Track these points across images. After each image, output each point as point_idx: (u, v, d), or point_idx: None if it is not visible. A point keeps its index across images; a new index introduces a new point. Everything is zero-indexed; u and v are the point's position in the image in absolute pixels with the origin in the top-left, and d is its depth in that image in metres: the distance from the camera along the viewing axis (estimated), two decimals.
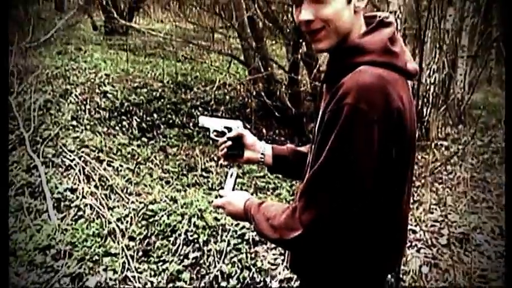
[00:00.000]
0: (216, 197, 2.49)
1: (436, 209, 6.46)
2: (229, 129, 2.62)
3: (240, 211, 2.32)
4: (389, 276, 2.12)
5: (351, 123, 1.76)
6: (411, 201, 6.55)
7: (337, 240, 1.94)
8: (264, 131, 9.04)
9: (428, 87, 9.09)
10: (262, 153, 2.58)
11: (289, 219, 1.92)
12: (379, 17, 2.03)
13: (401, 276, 4.82)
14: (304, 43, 8.87)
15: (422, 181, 7.26)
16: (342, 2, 1.92)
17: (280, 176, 7.10)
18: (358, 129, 1.76)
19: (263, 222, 2.07)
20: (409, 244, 5.66)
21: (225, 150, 2.57)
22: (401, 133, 1.87)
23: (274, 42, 12.93)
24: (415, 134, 2.03)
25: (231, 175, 2.57)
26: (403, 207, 2.07)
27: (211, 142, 8.57)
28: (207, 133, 2.67)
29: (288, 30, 10.06)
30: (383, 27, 1.98)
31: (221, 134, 2.61)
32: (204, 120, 2.70)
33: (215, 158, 7.94)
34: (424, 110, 9.05)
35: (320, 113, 1.97)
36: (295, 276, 5.01)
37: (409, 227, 5.87)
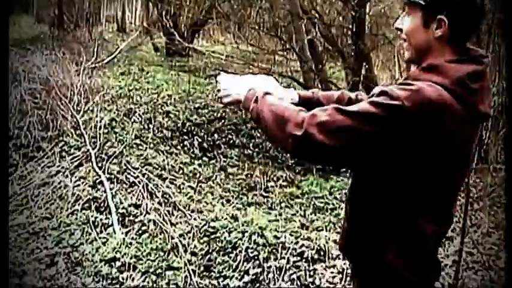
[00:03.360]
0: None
1: (494, 232, 6.42)
2: None
3: (246, 83, 2.44)
4: (437, 283, 2.23)
5: (387, 112, 1.91)
6: (469, 224, 6.52)
7: None
8: None
9: None
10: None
11: (301, 119, 2.02)
12: (475, 51, 2.14)
13: None
14: (365, 66, 8.94)
15: (481, 204, 7.21)
16: (418, 24, 2.11)
17: (338, 196, 7.17)
18: (389, 120, 1.91)
19: (274, 108, 2.17)
20: (466, 266, 5.64)
21: None
22: (438, 150, 1.99)
23: (333, 64, 13.00)
24: (462, 157, 2.13)
25: None
26: (432, 222, 2.15)
27: (270, 163, 8.67)
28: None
29: (348, 53, 10.12)
30: (473, 62, 2.07)
31: None
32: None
33: (275, 178, 8.02)
34: (483, 133, 8.97)
35: None
36: None
37: (466, 249, 5.86)
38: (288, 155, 8.13)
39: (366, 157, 2.00)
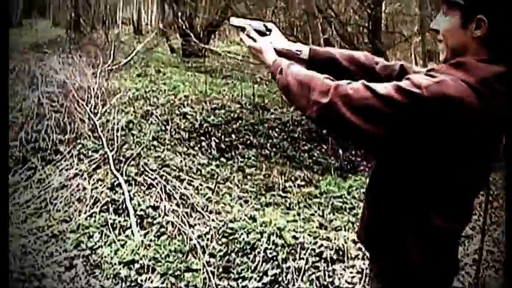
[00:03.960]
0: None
1: None
2: (268, 29, 2.64)
3: (271, 56, 2.47)
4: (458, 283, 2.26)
5: (407, 98, 1.91)
6: (489, 222, 6.46)
7: None
8: (340, 151, 9.05)
9: None
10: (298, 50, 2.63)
11: (326, 88, 2.05)
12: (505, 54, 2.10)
13: None
14: None
15: (501, 201, 7.15)
16: (456, 24, 2.08)
17: (357, 196, 7.14)
18: (407, 107, 1.91)
19: (300, 77, 2.20)
20: (486, 265, 5.59)
21: None
22: (453, 146, 1.97)
23: None
24: (480, 158, 2.10)
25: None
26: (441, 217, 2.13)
27: (288, 162, 8.66)
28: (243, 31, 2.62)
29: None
30: (503, 63, 2.03)
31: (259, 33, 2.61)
32: (239, 21, 2.67)
33: (293, 178, 8.00)
34: None
35: None
36: None
37: (487, 248, 5.81)
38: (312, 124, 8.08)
39: (382, 139, 2.01)
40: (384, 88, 1.96)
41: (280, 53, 2.51)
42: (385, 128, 1.95)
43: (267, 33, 2.61)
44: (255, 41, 2.55)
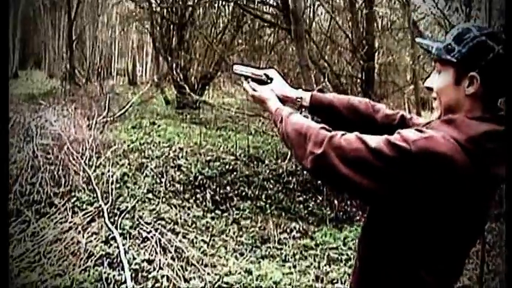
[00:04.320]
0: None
1: None
2: (269, 77, 2.69)
3: (273, 104, 2.51)
4: None
5: (395, 152, 1.91)
6: (486, 271, 6.42)
7: None
8: (335, 202, 9.05)
9: None
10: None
11: (321, 139, 2.03)
12: (499, 112, 2.11)
13: None
14: None
15: (498, 250, 7.12)
16: (449, 81, 2.11)
17: (353, 246, 7.11)
18: (394, 161, 1.91)
19: (298, 127, 2.20)
20: None
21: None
22: (439, 204, 1.97)
23: None
24: (468, 218, 2.08)
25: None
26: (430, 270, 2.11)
27: (283, 214, 8.64)
28: (246, 80, 2.70)
29: None
30: (495, 121, 2.03)
31: (261, 82, 2.68)
32: (241, 68, 2.74)
33: (288, 230, 7.97)
34: None
35: None
36: None
37: None
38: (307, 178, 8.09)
39: (374, 192, 1.99)
40: (375, 141, 1.97)
41: (281, 100, 2.56)
42: (375, 181, 1.94)
43: (268, 81, 2.66)
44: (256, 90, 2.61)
